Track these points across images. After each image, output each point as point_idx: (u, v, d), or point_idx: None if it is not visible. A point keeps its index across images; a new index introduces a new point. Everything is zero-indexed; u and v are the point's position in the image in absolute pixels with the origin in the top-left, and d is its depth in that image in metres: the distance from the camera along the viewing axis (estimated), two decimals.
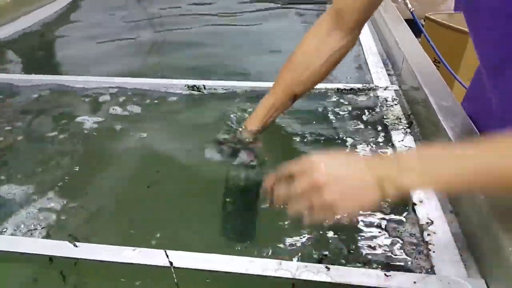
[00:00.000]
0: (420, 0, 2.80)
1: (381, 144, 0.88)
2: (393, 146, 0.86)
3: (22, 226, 0.70)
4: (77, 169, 0.85)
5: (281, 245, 0.64)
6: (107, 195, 0.78)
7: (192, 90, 1.12)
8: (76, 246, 0.63)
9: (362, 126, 0.94)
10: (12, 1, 1.76)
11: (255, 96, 1.05)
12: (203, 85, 1.12)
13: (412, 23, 2.32)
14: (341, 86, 1.09)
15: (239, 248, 0.65)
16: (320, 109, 1.02)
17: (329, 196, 0.48)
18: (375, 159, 0.54)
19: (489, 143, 0.46)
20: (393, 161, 0.49)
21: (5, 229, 0.69)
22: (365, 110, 0.99)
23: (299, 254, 0.62)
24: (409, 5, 2.24)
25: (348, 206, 0.49)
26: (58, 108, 1.08)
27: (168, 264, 0.59)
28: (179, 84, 1.13)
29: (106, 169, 0.85)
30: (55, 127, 1.00)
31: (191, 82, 1.13)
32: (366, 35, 1.42)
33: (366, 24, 1.41)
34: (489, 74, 0.65)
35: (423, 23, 2.57)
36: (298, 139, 0.91)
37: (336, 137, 0.91)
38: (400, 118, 0.95)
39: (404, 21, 1.34)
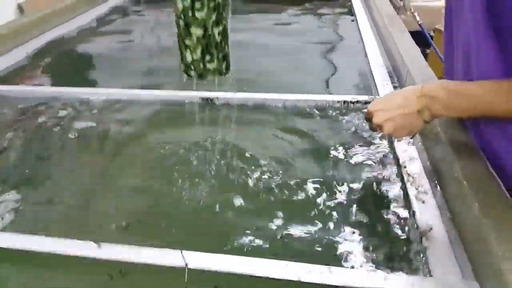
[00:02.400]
0: (429, 12, 2.83)
1: (384, 155, 0.92)
2: (396, 156, 0.90)
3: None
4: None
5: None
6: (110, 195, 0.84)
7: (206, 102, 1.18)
8: (99, 247, 0.68)
9: (366, 135, 0.99)
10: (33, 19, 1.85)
11: None
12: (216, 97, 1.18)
13: (422, 35, 2.36)
14: (348, 98, 1.14)
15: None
16: (325, 120, 1.07)
17: (375, 120, 0.73)
18: (421, 94, 0.70)
19: (491, 84, 0.65)
20: (429, 95, 0.69)
21: None
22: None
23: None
24: (417, 18, 2.29)
25: (394, 127, 0.72)
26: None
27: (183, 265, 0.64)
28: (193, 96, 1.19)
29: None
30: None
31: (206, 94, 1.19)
32: (373, 48, 1.47)
33: (373, 37, 1.45)
34: None
35: (433, 34, 2.61)
36: (299, 148, 0.96)
37: (340, 145, 0.96)
38: None
39: (409, 34, 1.38)
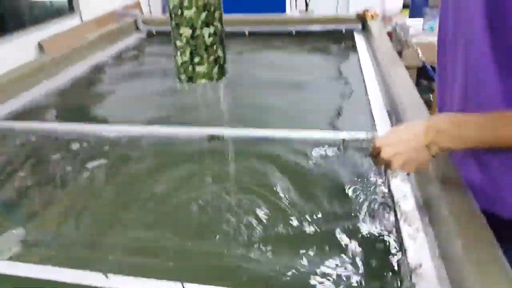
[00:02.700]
0: (433, 47, 2.89)
1: (379, 192, 0.97)
2: (391, 193, 0.94)
3: None
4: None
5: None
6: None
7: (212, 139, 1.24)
8: (107, 278, 0.73)
9: (362, 172, 1.04)
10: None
11: None
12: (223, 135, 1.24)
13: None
14: (346, 135, 1.19)
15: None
16: (323, 156, 1.12)
17: (384, 155, 0.77)
18: (427, 127, 0.73)
19: (495, 115, 0.69)
20: (435, 129, 0.72)
21: None
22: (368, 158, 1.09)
23: None
24: (420, 54, 2.36)
25: (403, 162, 0.75)
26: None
27: None
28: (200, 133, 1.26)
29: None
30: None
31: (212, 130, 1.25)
32: (373, 86, 1.53)
33: (374, 75, 1.50)
34: None
35: None
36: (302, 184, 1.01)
37: (337, 181, 1.00)
38: None
39: (406, 72, 1.44)
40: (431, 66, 2.51)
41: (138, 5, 3.88)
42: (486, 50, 0.74)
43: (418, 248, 0.77)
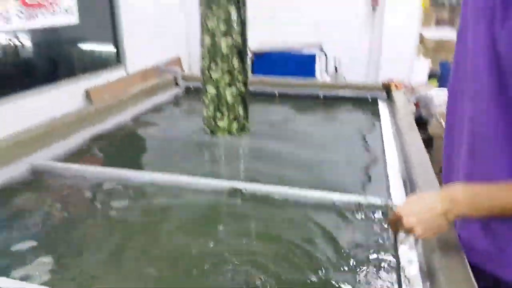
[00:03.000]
0: None
1: (386, 257, 1.03)
2: (398, 259, 1.00)
3: None
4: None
5: None
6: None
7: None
8: None
9: (372, 237, 1.10)
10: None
11: None
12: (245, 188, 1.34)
13: None
14: (362, 200, 1.26)
15: None
16: (338, 217, 1.20)
17: (406, 223, 0.83)
18: (442, 197, 0.83)
19: (506, 186, 0.79)
20: (450, 198, 0.82)
21: None
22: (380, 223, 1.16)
23: None
24: (443, 124, 2.43)
25: (424, 229, 0.82)
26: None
27: None
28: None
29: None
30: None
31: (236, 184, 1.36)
32: (392, 155, 1.61)
33: (394, 145, 1.58)
34: None
35: None
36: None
37: (348, 244, 1.07)
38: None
39: (422, 144, 1.52)
40: None
41: (179, 62, 4.18)
42: (493, 109, 0.83)
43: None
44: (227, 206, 1.33)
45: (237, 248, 1.07)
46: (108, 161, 1.66)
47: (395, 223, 0.88)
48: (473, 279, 0.79)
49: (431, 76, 3.89)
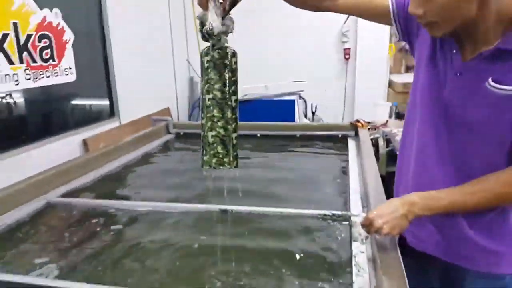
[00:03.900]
0: None
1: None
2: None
3: None
4: None
5: None
6: None
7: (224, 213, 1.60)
8: None
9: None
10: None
11: None
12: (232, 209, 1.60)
13: None
14: (328, 212, 1.54)
15: None
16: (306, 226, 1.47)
17: (376, 224, 1.07)
18: (403, 202, 1.09)
19: (458, 189, 1.09)
20: (409, 203, 1.08)
21: None
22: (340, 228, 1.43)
23: None
24: None
25: (390, 228, 1.06)
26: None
27: None
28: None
29: None
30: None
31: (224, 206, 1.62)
32: (354, 178, 1.91)
33: (356, 170, 1.87)
34: None
35: None
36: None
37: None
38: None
39: (377, 169, 1.83)
40: None
41: (168, 112, 4.50)
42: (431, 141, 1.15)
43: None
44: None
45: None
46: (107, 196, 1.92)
47: (367, 225, 1.11)
48: (402, 264, 1.05)
49: (399, 115, 4.26)
